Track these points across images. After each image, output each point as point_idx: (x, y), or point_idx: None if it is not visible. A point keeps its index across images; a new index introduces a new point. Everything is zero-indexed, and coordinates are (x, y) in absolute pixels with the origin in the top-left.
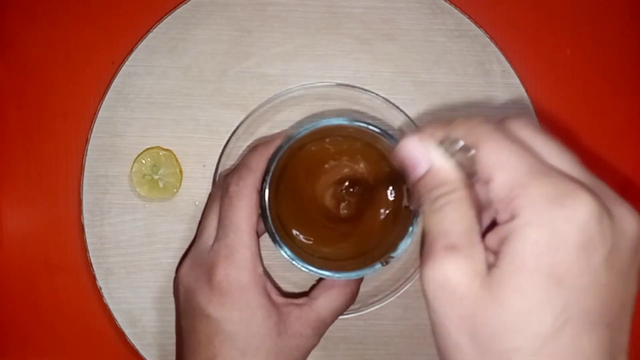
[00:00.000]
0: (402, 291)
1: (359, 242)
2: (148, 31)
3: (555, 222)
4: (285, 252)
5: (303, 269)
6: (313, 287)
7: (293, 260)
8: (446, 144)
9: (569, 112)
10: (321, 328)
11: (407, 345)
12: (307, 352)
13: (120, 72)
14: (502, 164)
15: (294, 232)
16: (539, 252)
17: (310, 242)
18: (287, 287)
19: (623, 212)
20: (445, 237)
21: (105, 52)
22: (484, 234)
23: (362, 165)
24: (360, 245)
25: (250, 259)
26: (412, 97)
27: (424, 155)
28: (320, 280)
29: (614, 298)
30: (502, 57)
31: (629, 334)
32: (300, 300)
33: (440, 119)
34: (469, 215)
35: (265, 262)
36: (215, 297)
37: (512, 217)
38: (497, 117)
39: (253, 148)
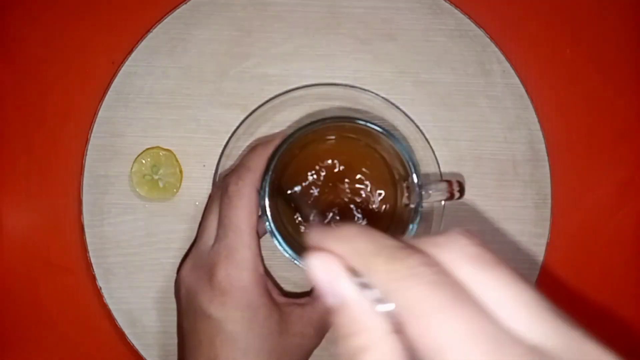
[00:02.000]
0: None
1: None
2: (148, 31)
3: None
4: (287, 251)
5: (304, 268)
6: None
7: (295, 259)
8: (359, 281)
9: (569, 112)
10: (323, 328)
11: None
12: (309, 352)
13: (120, 72)
14: (450, 345)
15: (293, 232)
16: None
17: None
18: (288, 287)
19: None
20: None
21: (105, 52)
22: None
23: (361, 163)
24: None
25: (251, 258)
26: (412, 97)
27: (332, 289)
28: None
29: None
30: (502, 57)
31: None
32: (302, 300)
33: (359, 238)
34: None
35: (265, 262)
36: (217, 297)
37: None
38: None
39: (252, 148)
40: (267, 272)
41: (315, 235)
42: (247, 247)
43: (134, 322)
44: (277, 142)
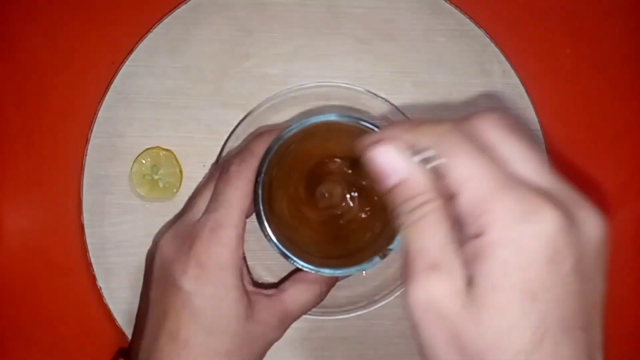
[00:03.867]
0: (401, 291)
1: (356, 237)
2: (148, 31)
3: (522, 239)
4: (284, 253)
5: (303, 268)
6: (283, 280)
7: (294, 261)
8: (414, 151)
9: (569, 112)
10: (286, 320)
11: (407, 345)
12: (270, 344)
13: (120, 72)
14: (469, 177)
15: (291, 232)
16: (510, 271)
17: (309, 241)
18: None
19: (587, 216)
20: (425, 255)
21: (105, 52)
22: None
23: (355, 160)
24: (357, 240)
25: (235, 238)
26: (412, 97)
27: (397, 164)
28: (292, 273)
29: (586, 301)
30: (502, 57)
31: (601, 330)
32: (270, 291)
33: (404, 122)
34: (446, 227)
35: (265, 262)
36: (191, 268)
37: (480, 233)
38: (466, 115)
39: (258, 134)
40: (244, 258)
41: (367, 137)
42: (234, 225)
43: (134, 322)
44: (269, 138)
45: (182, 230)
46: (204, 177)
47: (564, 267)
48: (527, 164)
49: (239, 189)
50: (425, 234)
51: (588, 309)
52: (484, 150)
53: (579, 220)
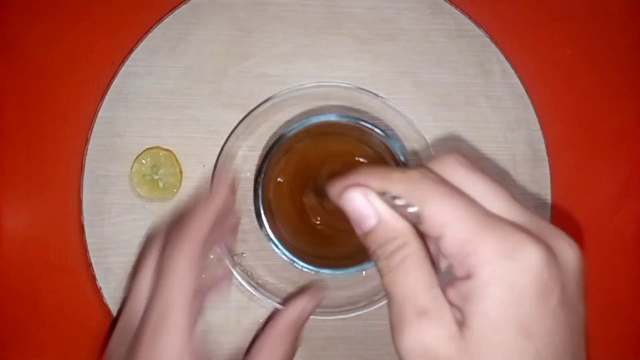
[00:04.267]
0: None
1: (356, 237)
2: (148, 31)
3: (512, 276)
4: (284, 254)
5: (303, 269)
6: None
7: (294, 262)
8: (386, 198)
9: (569, 112)
10: None
11: None
12: None
13: (120, 72)
14: (449, 221)
15: (291, 232)
16: (504, 309)
17: (309, 241)
18: (288, 288)
19: (563, 245)
20: (413, 301)
21: (105, 52)
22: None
23: (355, 161)
24: (358, 240)
25: (183, 325)
26: (412, 97)
27: (370, 210)
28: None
29: (572, 330)
30: (502, 57)
31: (586, 353)
32: None
33: (376, 168)
34: (427, 270)
35: (265, 262)
36: None
37: (469, 275)
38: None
39: (193, 209)
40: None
41: (336, 184)
42: (179, 310)
43: None
44: (216, 202)
45: (128, 329)
46: (141, 250)
47: (552, 300)
48: (496, 200)
49: (180, 264)
50: (408, 279)
51: (575, 337)
52: (456, 191)
53: (557, 251)
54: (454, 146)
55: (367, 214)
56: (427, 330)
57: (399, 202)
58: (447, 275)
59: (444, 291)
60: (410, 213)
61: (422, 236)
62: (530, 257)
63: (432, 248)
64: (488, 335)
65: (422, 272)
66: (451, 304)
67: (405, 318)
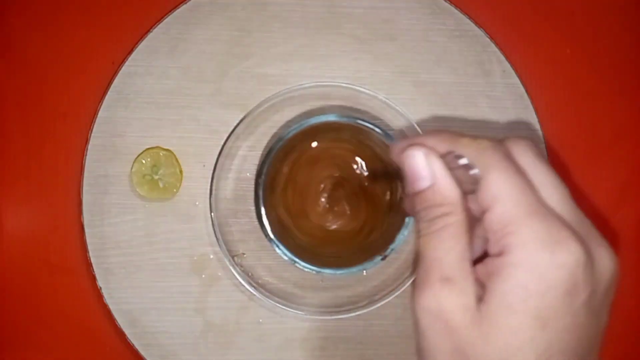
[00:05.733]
0: (401, 291)
1: (357, 238)
2: (148, 31)
3: (545, 267)
4: (285, 254)
5: (304, 269)
6: None
7: (295, 262)
8: (449, 157)
9: (569, 112)
10: None
11: (407, 345)
12: None
13: (120, 72)
14: (502, 196)
15: (291, 232)
16: (527, 296)
17: (309, 241)
18: (287, 287)
19: (602, 254)
20: (441, 267)
21: (105, 52)
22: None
23: (355, 161)
24: (359, 241)
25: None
26: (412, 97)
27: (427, 170)
28: None
29: (589, 334)
30: (502, 57)
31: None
32: None
33: (447, 130)
34: (463, 242)
35: (265, 262)
36: None
37: (502, 253)
38: (500, 135)
39: None
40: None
41: (403, 142)
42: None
43: (134, 322)
44: None
45: None
46: None
47: (577, 300)
48: (554, 193)
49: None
50: (444, 245)
51: (590, 341)
52: (518, 171)
53: (595, 257)
54: None
55: (423, 175)
56: (448, 296)
57: (462, 161)
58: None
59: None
60: (469, 175)
61: (468, 210)
62: (569, 255)
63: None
64: (504, 316)
65: (459, 243)
66: (477, 279)
67: (430, 280)
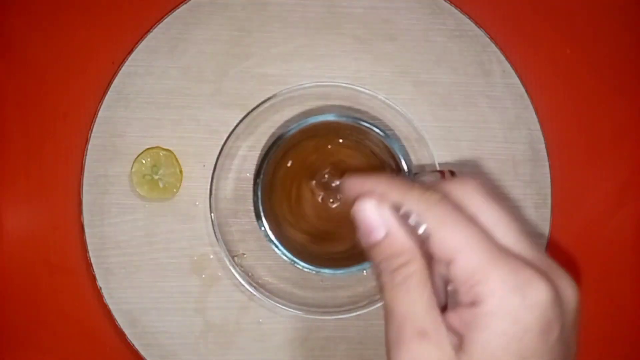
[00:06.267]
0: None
1: (356, 237)
2: (148, 31)
3: (518, 311)
4: (284, 254)
5: (304, 269)
6: None
7: (294, 262)
8: (399, 213)
9: (569, 112)
10: None
11: None
12: None
13: (120, 72)
14: (461, 248)
15: (291, 232)
16: (507, 342)
17: (309, 241)
18: (287, 287)
19: (565, 285)
20: (413, 320)
21: (105, 52)
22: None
23: (353, 160)
24: (358, 240)
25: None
26: (412, 97)
27: (380, 220)
28: None
29: None
30: (502, 57)
31: None
32: None
33: (398, 179)
34: (428, 290)
35: (265, 262)
36: None
37: (474, 302)
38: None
39: None
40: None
41: (353, 184)
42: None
43: (134, 322)
44: None
45: None
46: None
47: (552, 336)
48: (508, 231)
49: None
50: (410, 298)
51: None
52: (471, 220)
53: (560, 290)
54: (454, 146)
55: (376, 226)
56: (426, 351)
57: (410, 221)
58: (450, 299)
59: (443, 314)
60: (417, 234)
61: (426, 256)
62: (539, 295)
63: (436, 271)
64: None
65: (423, 292)
66: (449, 327)
67: (404, 336)
